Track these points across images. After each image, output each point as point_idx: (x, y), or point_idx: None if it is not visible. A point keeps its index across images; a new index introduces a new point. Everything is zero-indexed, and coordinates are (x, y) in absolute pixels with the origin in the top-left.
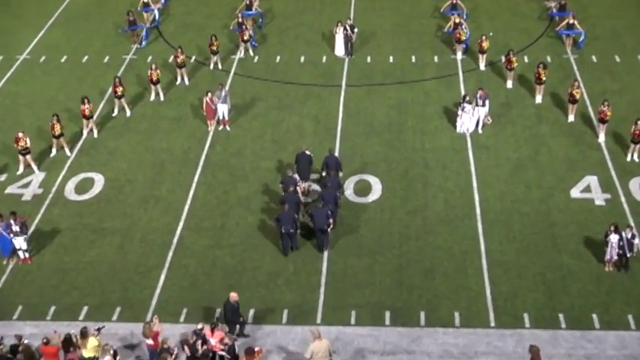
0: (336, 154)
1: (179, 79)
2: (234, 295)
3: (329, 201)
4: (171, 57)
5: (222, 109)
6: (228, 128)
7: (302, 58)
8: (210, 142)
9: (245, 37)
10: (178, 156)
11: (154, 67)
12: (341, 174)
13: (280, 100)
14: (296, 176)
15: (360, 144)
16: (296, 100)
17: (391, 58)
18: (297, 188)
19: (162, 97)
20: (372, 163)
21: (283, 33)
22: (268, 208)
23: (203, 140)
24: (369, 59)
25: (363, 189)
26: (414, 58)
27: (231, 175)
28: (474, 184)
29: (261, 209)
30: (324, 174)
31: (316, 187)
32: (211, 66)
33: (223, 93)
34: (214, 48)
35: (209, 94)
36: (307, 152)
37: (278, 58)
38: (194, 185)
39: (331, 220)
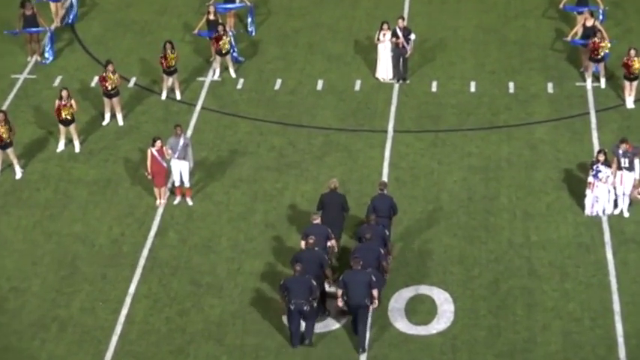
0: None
1: (107, 116)
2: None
3: (370, 262)
4: (96, 78)
5: (180, 169)
6: (190, 202)
7: (319, 84)
8: (158, 227)
9: (222, 47)
10: (102, 249)
11: (64, 95)
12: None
13: (281, 154)
14: (325, 227)
15: (416, 233)
16: (308, 155)
17: (473, 86)
18: (328, 244)
19: (77, 147)
20: (437, 267)
21: (288, 40)
22: (258, 347)
23: (146, 222)
24: (434, 87)
25: (422, 311)
26: (512, 87)
27: (193, 283)
28: (616, 308)
29: (243, 345)
30: (372, 221)
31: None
32: (163, 95)
33: (182, 142)
34: (169, 64)
35: (158, 142)
36: (338, 191)
37: (278, 82)
38: (129, 300)
39: (375, 292)
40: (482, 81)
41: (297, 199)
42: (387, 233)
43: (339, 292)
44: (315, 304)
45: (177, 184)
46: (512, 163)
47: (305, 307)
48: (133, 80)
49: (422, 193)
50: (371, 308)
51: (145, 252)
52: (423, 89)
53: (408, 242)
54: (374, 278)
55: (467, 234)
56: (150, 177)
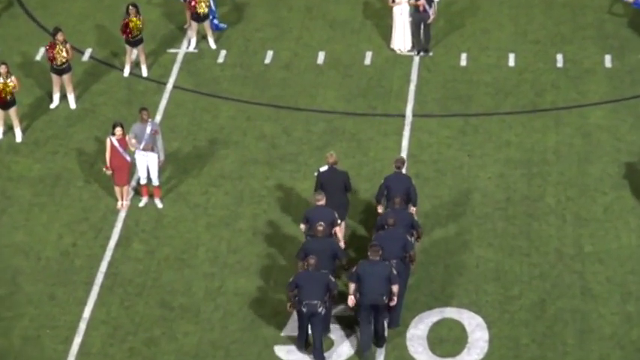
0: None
1: (56, 97)
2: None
3: (391, 253)
4: (42, 50)
5: (148, 163)
6: (159, 204)
7: (320, 57)
8: (120, 235)
9: (199, 10)
10: (50, 263)
11: (3, 70)
12: (414, 209)
13: (273, 144)
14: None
15: (441, 243)
16: (307, 146)
17: (512, 59)
18: (337, 231)
19: (18, 136)
20: (468, 286)
21: (281, 2)
22: None
23: (105, 230)
24: (463, 60)
25: (450, 340)
26: (560, 60)
27: (163, 306)
28: None
29: None
30: (379, 209)
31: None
32: (126, 70)
33: (149, 129)
34: (134, 33)
35: (119, 130)
36: (338, 167)
37: (269, 55)
38: (83, 327)
39: (395, 288)
40: (523, 53)
41: (292, 201)
42: (416, 219)
43: (352, 286)
44: (330, 306)
45: (143, 181)
46: (561, 155)
47: (320, 309)
48: (87, 52)
49: (448, 192)
50: (391, 305)
51: (104, 267)
52: (450, 63)
53: (432, 254)
54: (394, 272)
55: (504, 244)
56: (109, 173)
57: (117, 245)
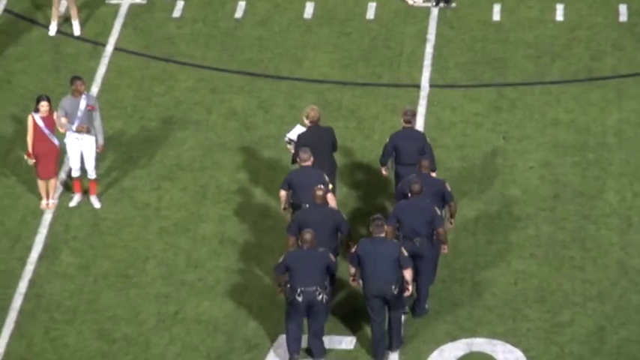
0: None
1: None
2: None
3: (415, 229)
4: None
5: (82, 149)
6: (96, 203)
7: (308, 9)
8: (44, 244)
9: None
10: None
11: None
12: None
13: (246, 123)
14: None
15: (469, 253)
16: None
17: (560, 11)
18: (329, 199)
19: None
20: (503, 309)
21: None
22: None
23: (24, 237)
24: (496, 13)
25: None
26: (624, 12)
27: (101, 337)
28: None
29: None
30: (383, 170)
31: None
32: (52, 28)
33: (84, 104)
34: None
35: (44, 105)
36: (320, 123)
37: (241, 7)
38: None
39: (407, 274)
40: (575, 3)
41: (272, 199)
42: (449, 189)
43: (352, 270)
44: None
45: (75, 173)
46: (625, 138)
47: (319, 297)
48: (1, 4)
49: (477, 187)
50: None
51: (23, 287)
52: (479, 17)
53: (456, 268)
54: (405, 253)
55: (551, 254)
56: (31, 162)
57: (40, 258)
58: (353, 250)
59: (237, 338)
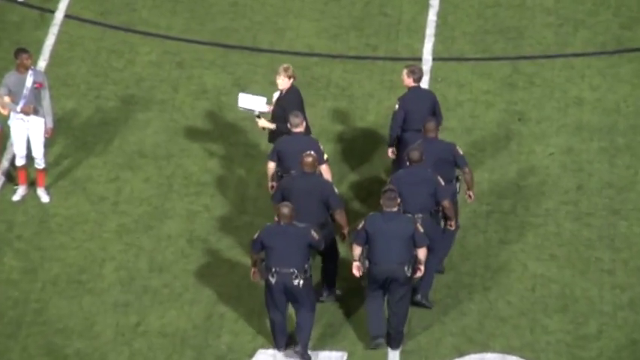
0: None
1: None
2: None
3: (421, 200)
4: None
5: (28, 133)
6: (44, 196)
7: None
8: None
9: None
10: None
11: None
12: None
13: (219, 103)
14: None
15: (479, 253)
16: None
17: None
18: (323, 170)
19: None
20: (518, 320)
21: None
22: None
23: None
24: None
25: None
26: None
27: (51, 352)
28: None
29: None
30: (390, 152)
31: None
32: None
33: (30, 82)
34: None
35: None
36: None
37: None
38: None
39: (422, 254)
40: None
41: (249, 190)
42: (461, 152)
43: (357, 250)
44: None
45: (20, 162)
46: None
47: (296, 281)
48: None
49: (488, 177)
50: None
51: None
52: None
53: (463, 272)
54: (421, 229)
55: (575, 255)
56: None
57: None
58: (360, 226)
59: (207, 354)
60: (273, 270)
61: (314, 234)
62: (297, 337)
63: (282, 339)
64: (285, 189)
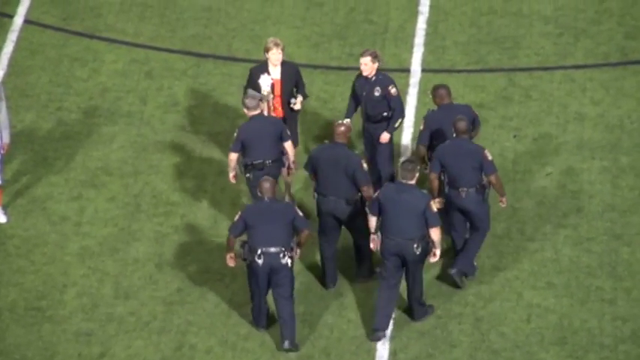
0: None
1: None
2: None
3: (462, 175)
4: None
5: None
6: (1, 217)
7: None
8: None
9: None
10: None
11: None
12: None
13: (192, 115)
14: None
15: (472, 284)
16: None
17: None
18: (287, 146)
19: None
20: (513, 353)
21: None
22: None
23: None
24: None
25: None
26: None
27: None
28: None
29: None
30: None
31: None
32: None
33: None
34: None
35: None
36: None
37: None
38: None
39: (434, 234)
40: None
41: (224, 209)
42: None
43: (372, 220)
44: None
45: None
46: None
47: (283, 260)
48: None
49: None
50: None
51: None
52: None
53: (454, 301)
54: (434, 208)
55: (573, 283)
56: None
57: None
58: (375, 195)
59: None
60: (259, 251)
61: (297, 210)
62: (283, 333)
63: (263, 319)
64: (313, 157)
